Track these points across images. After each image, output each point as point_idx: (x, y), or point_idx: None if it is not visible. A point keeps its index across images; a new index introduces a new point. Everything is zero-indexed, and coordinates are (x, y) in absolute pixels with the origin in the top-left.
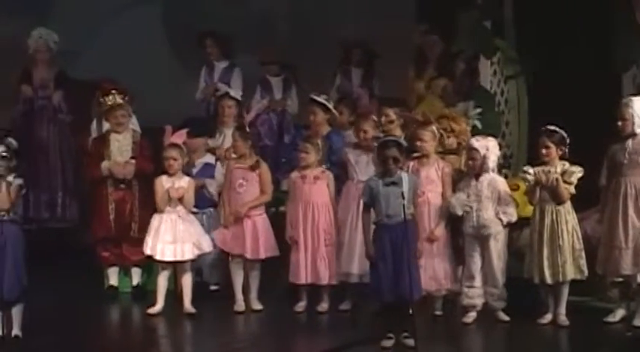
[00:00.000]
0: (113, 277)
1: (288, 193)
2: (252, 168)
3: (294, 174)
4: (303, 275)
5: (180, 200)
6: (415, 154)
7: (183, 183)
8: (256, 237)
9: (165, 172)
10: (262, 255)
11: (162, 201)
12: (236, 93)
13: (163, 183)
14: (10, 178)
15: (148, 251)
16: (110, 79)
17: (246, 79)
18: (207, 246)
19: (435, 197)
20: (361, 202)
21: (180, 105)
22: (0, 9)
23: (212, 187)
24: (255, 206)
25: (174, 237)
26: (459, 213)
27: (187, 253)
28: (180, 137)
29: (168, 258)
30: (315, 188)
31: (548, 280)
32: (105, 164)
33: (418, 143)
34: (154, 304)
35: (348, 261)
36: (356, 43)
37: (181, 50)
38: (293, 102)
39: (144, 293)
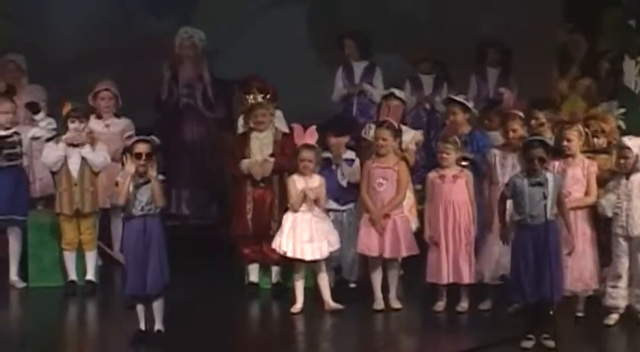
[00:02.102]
0: (254, 274)
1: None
2: (404, 158)
3: (433, 174)
4: (445, 275)
5: (316, 200)
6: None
7: (316, 183)
8: (397, 236)
9: (294, 172)
10: (403, 254)
11: (297, 201)
12: (400, 93)
13: (296, 183)
14: (153, 175)
15: (283, 250)
16: (256, 76)
17: (387, 78)
18: (336, 244)
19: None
20: (501, 191)
21: (323, 104)
22: (146, 9)
23: (346, 171)
24: (393, 207)
25: (311, 236)
26: (609, 214)
27: (324, 251)
28: (312, 136)
29: (307, 256)
30: (455, 187)
31: None
32: (244, 163)
33: (564, 143)
34: (293, 302)
35: (498, 263)
36: (491, 43)
37: (324, 50)
38: (442, 99)
39: (284, 291)
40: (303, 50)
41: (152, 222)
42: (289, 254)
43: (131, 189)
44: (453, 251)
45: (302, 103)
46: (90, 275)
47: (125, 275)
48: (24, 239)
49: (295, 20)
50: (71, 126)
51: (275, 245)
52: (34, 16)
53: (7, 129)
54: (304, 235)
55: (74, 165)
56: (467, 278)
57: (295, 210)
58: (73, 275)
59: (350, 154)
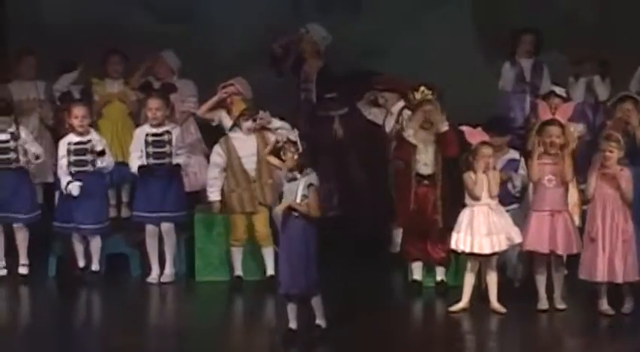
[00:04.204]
0: (417, 272)
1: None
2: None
3: (596, 172)
4: (600, 273)
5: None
6: None
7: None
8: (568, 232)
9: (470, 168)
10: (575, 250)
11: (478, 191)
12: (560, 91)
13: (472, 176)
14: (305, 173)
15: (460, 246)
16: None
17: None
18: (517, 237)
19: None
20: None
21: (484, 103)
22: (314, 8)
23: (517, 181)
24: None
25: (488, 229)
26: None
27: (503, 244)
28: (481, 135)
29: (486, 250)
30: (615, 185)
31: None
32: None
33: None
34: (457, 300)
35: None
36: None
37: (485, 49)
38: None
39: (447, 289)
40: (464, 49)
41: (295, 221)
42: (467, 249)
43: (285, 184)
44: (609, 249)
45: (462, 101)
46: (270, 271)
47: (279, 273)
48: (190, 234)
49: (457, 19)
50: (244, 125)
51: (452, 243)
52: (197, 15)
53: (158, 126)
54: (482, 229)
55: (250, 164)
56: (620, 277)
57: (478, 199)
58: (239, 271)
59: (513, 154)
